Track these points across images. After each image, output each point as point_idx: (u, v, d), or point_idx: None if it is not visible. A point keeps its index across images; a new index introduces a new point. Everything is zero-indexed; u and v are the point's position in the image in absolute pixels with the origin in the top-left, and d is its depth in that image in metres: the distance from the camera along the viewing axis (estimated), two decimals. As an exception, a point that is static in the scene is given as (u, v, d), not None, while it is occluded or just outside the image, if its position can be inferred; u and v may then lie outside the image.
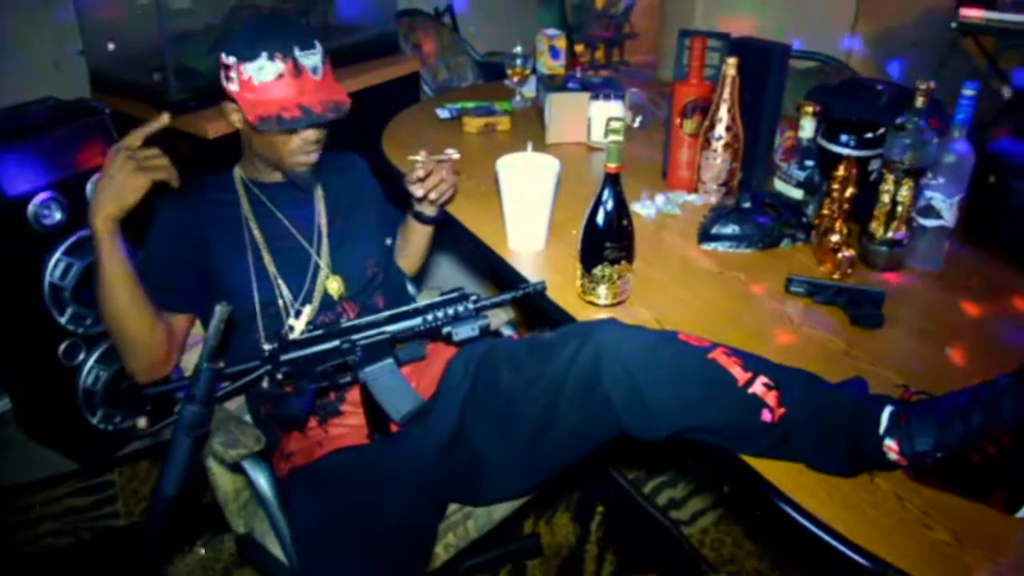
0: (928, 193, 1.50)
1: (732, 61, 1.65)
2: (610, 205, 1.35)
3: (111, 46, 2.39)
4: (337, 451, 1.39)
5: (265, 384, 1.37)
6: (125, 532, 2.06)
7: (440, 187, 1.56)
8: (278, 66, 1.32)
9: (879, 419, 1.03)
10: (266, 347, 1.39)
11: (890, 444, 1.01)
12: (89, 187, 2.03)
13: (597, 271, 1.37)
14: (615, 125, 1.29)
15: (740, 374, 1.10)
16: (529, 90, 2.44)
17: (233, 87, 1.35)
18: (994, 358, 1.29)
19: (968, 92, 1.43)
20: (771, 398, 1.07)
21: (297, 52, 1.33)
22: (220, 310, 1.19)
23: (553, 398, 1.22)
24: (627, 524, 2.04)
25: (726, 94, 1.68)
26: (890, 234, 1.51)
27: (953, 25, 3.58)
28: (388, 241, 1.70)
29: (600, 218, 1.35)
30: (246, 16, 1.39)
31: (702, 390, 1.11)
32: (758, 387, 1.08)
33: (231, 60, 1.33)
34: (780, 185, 1.76)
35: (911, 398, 1.04)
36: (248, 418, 1.53)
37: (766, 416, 1.07)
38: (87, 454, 2.26)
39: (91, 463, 2.26)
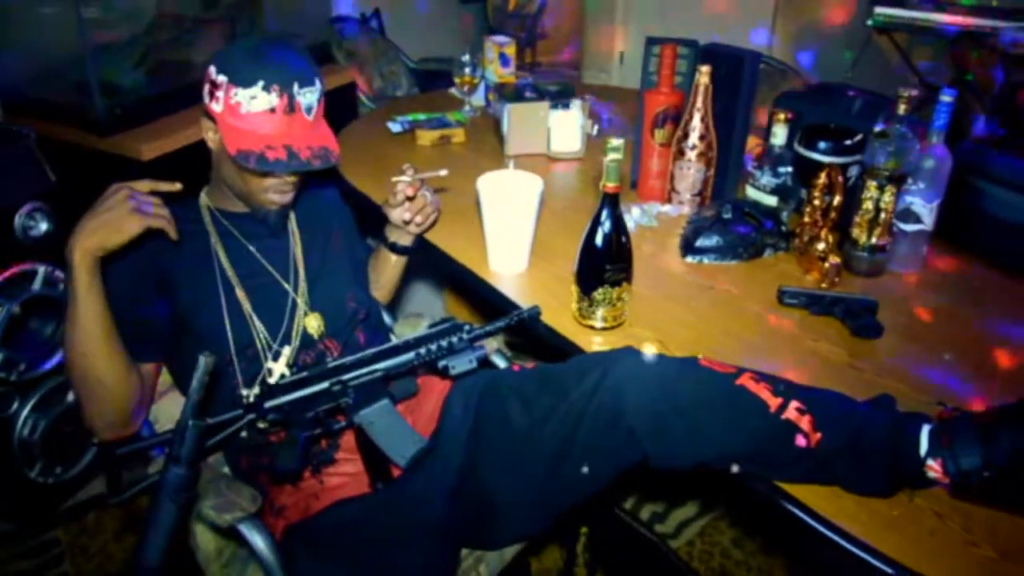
0: (908, 198, 1.51)
1: (705, 69, 1.63)
2: (609, 226, 1.30)
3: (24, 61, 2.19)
4: (338, 504, 1.28)
5: (244, 434, 1.26)
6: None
7: (426, 210, 1.48)
8: (272, 99, 1.22)
9: (918, 439, 1.01)
10: (245, 392, 1.29)
11: (932, 465, 1.00)
12: (18, 220, 1.84)
13: (597, 294, 1.32)
14: (615, 143, 1.23)
15: (771, 399, 1.07)
16: (478, 99, 2.37)
17: (216, 107, 1.24)
18: (991, 360, 1.31)
19: (946, 98, 1.45)
20: (805, 423, 1.05)
21: (296, 88, 1.23)
22: (204, 361, 1.08)
23: (571, 432, 1.16)
24: (613, 543, 2.00)
25: (699, 103, 1.66)
26: (873, 240, 1.52)
27: (868, 22, 3.71)
28: None
29: (599, 239, 1.30)
30: (251, 39, 1.27)
31: (732, 418, 1.07)
32: (791, 412, 1.05)
33: (221, 79, 1.22)
34: (753, 192, 1.75)
35: (949, 415, 1.03)
36: (226, 469, 1.41)
37: (800, 441, 1.04)
38: (26, 511, 2.06)
39: (31, 521, 2.06)
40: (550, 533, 1.94)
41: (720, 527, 2.01)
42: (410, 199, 1.46)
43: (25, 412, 1.94)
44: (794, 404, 1.06)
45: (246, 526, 1.18)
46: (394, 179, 1.46)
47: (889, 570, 0.94)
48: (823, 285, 1.50)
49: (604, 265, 1.31)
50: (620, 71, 4.24)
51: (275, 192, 1.32)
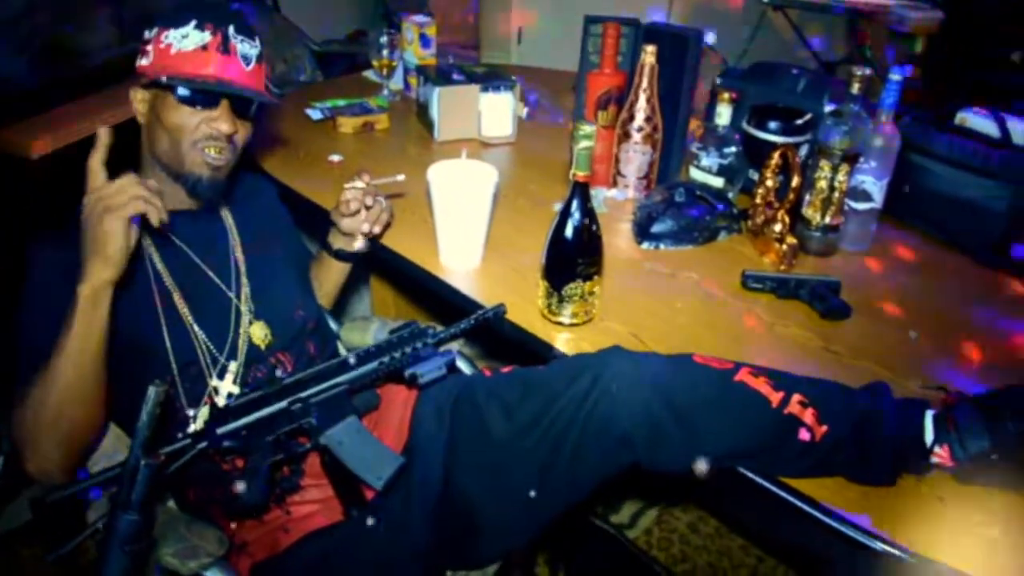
0: (859, 177, 1.51)
1: (651, 49, 1.58)
2: (578, 217, 1.22)
3: None
4: (310, 537, 1.16)
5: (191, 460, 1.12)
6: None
7: (382, 218, 1.38)
8: (205, 36, 1.14)
9: (923, 425, 1.00)
10: (190, 414, 1.16)
11: (938, 451, 0.99)
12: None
13: (569, 289, 1.25)
14: (586, 130, 1.16)
15: (772, 394, 1.03)
16: (396, 83, 2.25)
17: (146, 61, 1.15)
18: (949, 336, 1.32)
19: (895, 77, 1.45)
20: (809, 416, 1.01)
21: (232, 31, 1.16)
22: (155, 391, 0.95)
23: (558, 441, 1.08)
24: (571, 539, 1.95)
25: (645, 83, 1.61)
26: (827, 219, 1.51)
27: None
28: None
29: (569, 232, 1.23)
30: None
31: (734, 416, 1.03)
32: (794, 406, 1.02)
33: (153, 32, 1.15)
34: (697, 174, 1.72)
35: (952, 400, 1.02)
36: (172, 504, 1.26)
37: (804, 435, 1.01)
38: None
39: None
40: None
41: (674, 513, 2.00)
42: (367, 208, 1.35)
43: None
44: (796, 397, 1.02)
45: (213, 573, 1.05)
46: (347, 186, 1.34)
47: (902, 555, 0.93)
48: (781, 267, 1.48)
49: (576, 258, 1.23)
50: (518, 50, 4.16)
51: (206, 144, 1.19)
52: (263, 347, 1.26)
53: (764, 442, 1.02)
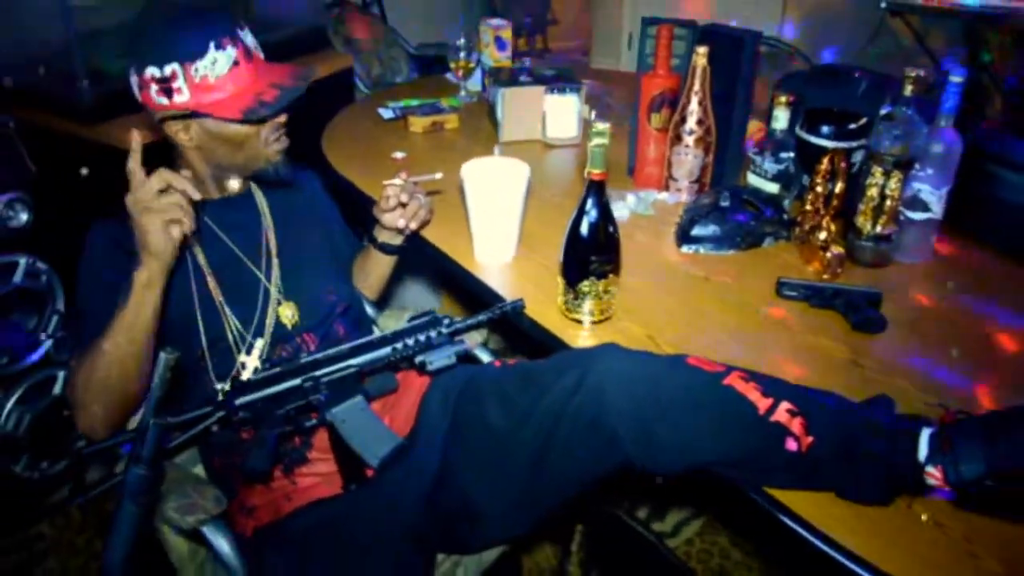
0: (915, 185, 1.43)
1: (702, 51, 1.55)
2: (594, 215, 1.23)
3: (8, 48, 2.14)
4: (309, 506, 1.23)
5: (215, 428, 1.21)
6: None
7: (419, 214, 1.43)
8: (230, 53, 1.19)
9: (917, 444, 0.94)
10: (219, 387, 1.24)
11: (932, 471, 0.93)
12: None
13: (583, 286, 1.26)
14: (600, 127, 1.16)
15: (760, 400, 1.00)
16: (474, 84, 2.30)
17: (182, 98, 1.18)
18: (996, 356, 1.23)
19: (955, 79, 1.37)
20: (796, 425, 0.98)
21: (239, 33, 1.21)
22: (164, 357, 1.03)
23: (549, 434, 1.09)
24: (609, 541, 1.94)
25: (697, 85, 1.58)
26: (879, 229, 1.44)
27: (883, 4, 3.60)
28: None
29: (584, 229, 1.23)
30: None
31: (718, 421, 1.01)
32: (781, 414, 0.98)
33: (170, 69, 1.16)
34: (754, 179, 1.68)
35: (951, 419, 0.96)
36: (199, 468, 1.36)
37: (791, 445, 0.97)
38: (11, 507, 2.02)
39: (16, 517, 2.02)
40: (543, 530, 1.90)
41: (719, 526, 1.94)
42: (403, 205, 1.41)
43: (9, 405, 1.90)
44: (784, 405, 0.99)
45: (210, 528, 1.13)
46: (385, 183, 1.40)
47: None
48: (824, 276, 1.42)
49: (589, 256, 1.24)
50: (629, 55, 4.14)
51: (274, 139, 1.30)
52: (290, 326, 1.33)
53: (749, 449, 0.99)
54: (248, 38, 1.23)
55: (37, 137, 1.92)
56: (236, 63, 1.19)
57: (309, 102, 2.51)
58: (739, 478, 1.01)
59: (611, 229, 1.25)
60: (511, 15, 4.37)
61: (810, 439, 0.97)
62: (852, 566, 0.90)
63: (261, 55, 1.26)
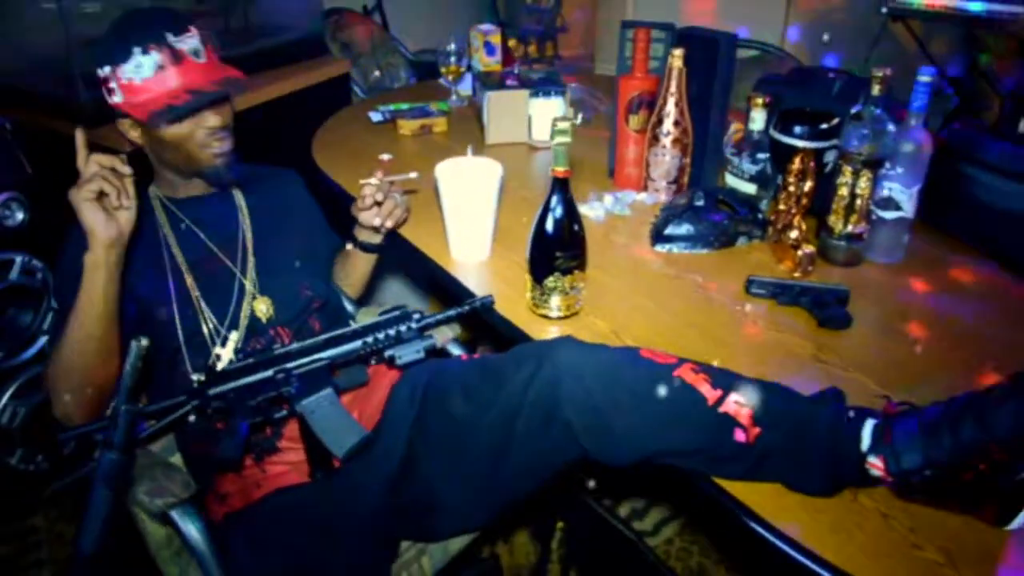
0: (886, 184, 1.44)
1: (678, 52, 1.57)
2: (559, 211, 1.25)
3: (11, 52, 2.20)
4: (277, 492, 1.26)
5: (193, 418, 1.24)
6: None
7: (395, 213, 1.46)
8: (154, 58, 1.22)
9: (860, 435, 0.96)
10: (194, 378, 1.27)
11: (874, 461, 0.94)
12: (-7, 210, 1.86)
13: (548, 282, 1.28)
14: (562, 126, 1.19)
15: (709, 392, 1.01)
16: (464, 89, 2.34)
17: (116, 99, 1.25)
18: (966, 354, 1.24)
19: (924, 79, 1.38)
20: (744, 416, 0.99)
21: (171, 39, 1.24)
22: (136, 346, 1.06)
23: (508, 425, 1.12)
24: (589, 539, 1.95)
25: (673, 87, 1.60)
26: (849, 228, 1.45)
27: (884, 10, 3.59)
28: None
29: (549, 226, 1.26)
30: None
31: (669, 411, 1.02)
32: (730, 405, 1.00)
33: (106, 71, 1.23)
34: (732, 180, 1.70)
35: (894, 411, 0.97)
36: (176, 458, 1.39)
37: (739, 436, 0.99)
38: (6, 498, 2.07)
39: (10, 508, 2.07)
40: (508, 522, 1.92)
41: (697, 527, 1.95)
42: (379, 204, 1.44)
43: (4, 399, 1.95)
44: (733, 397, 1.01)
45: (178, 513, 1.16)
46: (362, 182, 1.44)
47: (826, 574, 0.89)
48: (796, 275, 1.44)
49: (554, 252, 1.26)
50: (632, 61, 4.17)
51: (210, 144, 1.31)
52: (265, 320, 1.36)
53: (700, 440, 1.01)
54: (184, 43, 1.25)
55: (34, 138, 1.97)
56: (161, 67, 1.23)
57: (306, 106, 2.56)
58: (691, 468, 1.03)
59: (576, 227, 1.27)
60: (517, 23, 4.42)
61: (757, 430, 0.98)
62: (797, 556, 0.92)
63: (199, 59, 1.27)
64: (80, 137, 1.14)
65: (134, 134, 1.31)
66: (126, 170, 1.14)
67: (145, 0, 2.19)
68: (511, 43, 4.50)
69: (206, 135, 1.30)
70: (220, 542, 1.19)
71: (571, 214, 1.26)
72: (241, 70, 1.32)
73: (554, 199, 1.25)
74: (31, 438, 2.00)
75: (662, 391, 1.03)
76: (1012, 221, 1.47)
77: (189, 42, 1.26)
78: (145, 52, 1.22)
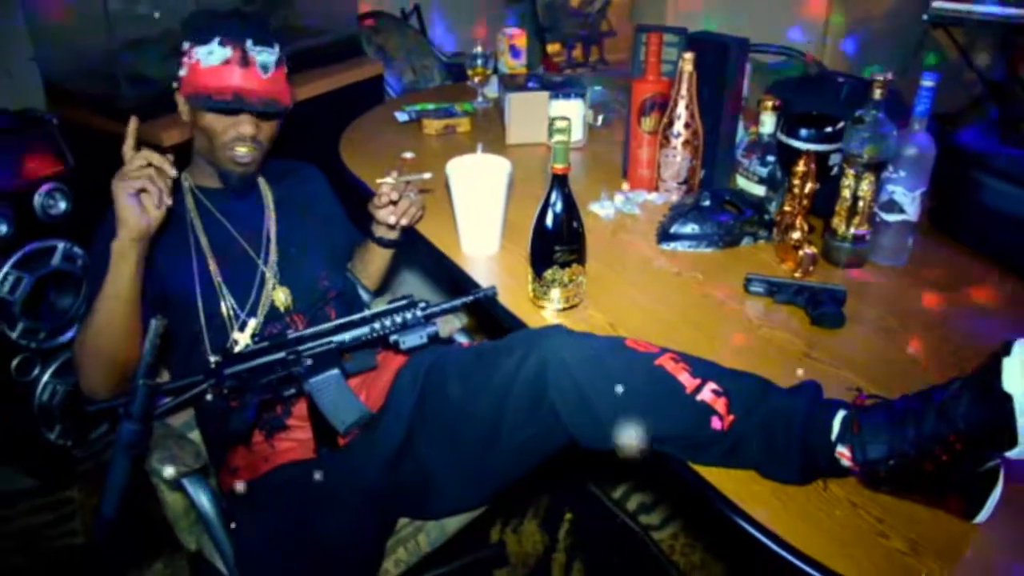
0: (890, 187, 1.46)
1: (688, 56, 1.61)
2: (559, 207, 1.30)
3: (62, 53, 2.32)
4: (282, 466, 1.34)
5: (209, 397, 1.32)
6: (84, 550, 2.00)
7: (410, 211, 1.52)
8: (227, 52, 1.32)
9: (831, 425, 0.99)
10: (212, 359, 1.35)
11: (842, 451, 0.97)
12: (38, 199, 1.98)
13: (547, 274, 1.33)
14: (560, 124, 1.24)
15: (688, 381, 1.05)
16: (491, 90, 2.40)
17: (183, 72, 1.36)
18: (958, 357, 1.25)
19: (927, 83, 1.39)
20: (720, 405, 1.03)
21: (250, 44, 1.32)
22: (155, 324, 1.15)
23: (499, 409, 1.17)
24: (596, 531, 1.99)
25: (683, 90, 1.64)
26: (852, 230, 1.47)
27: (925, 17, 3.56)
28: (348, 264, 1.66)
29: (549, 220, 1.31)
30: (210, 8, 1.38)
31: (650, 399, 1.06)
32: (707, 394, 1.04)
33: (186, 45, 1.34)
34: (743, 182, 1.73)
35: (864, 402, 1.00)
36: (194, 435, 1.47)
37: (716, 424, 1.02)
38: (46, 470, 2.19)
39: (50, 479, 2.19)
40: (534, 516, 1.96)
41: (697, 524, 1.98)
42: (394, 202, 1.50)
43: (45, 378, 2.07)
44: (711, 386, 1.04)
45: (189, 481, 1.24)
46: (378, 181, 1.50)
47: (794, 559, 0.92)
48: (796, 274, 1.46)
49: (553, 246, 1.31)
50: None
51: (234, 146, 1.38)
52: (283, 309, 1.44)
53: (677, 426, 1.04)
54: (260, 54, 1.34)
55: (77, 134, 2.09)
56: (227, 62, 1.31)
57: (339, 106, 2.64)
58: (669, 453, 1.06)
59: (575, 222, 1.31)
60: (560, 28, 4.47)
61: (732, 417, 1.02)
62: (766, 542, 0.95)
63: (263, 74, 1.34)
64: (133, 125, 1.22)
65: (184, 111, 1.40)
66: (172, 172, 1.21)
67: (206, 2, 2.29)
68: (553, 48, 4.55)
69: (235, 138, 1.37)
70: (227, 511, 1.26)
71: (570, 209, 1.30)
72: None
73: (554, 195, 1.30)
74: (69, 415, 2.12)
75: (643, 379, 1.07)
76: (1017, 226, 1.48)
77: (264, 55, 1.34)
78: (222, 44, 1.32)
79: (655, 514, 2.02)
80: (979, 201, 1.54)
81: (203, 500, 1.25)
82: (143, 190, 1.18)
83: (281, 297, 1.44)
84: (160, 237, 1.34)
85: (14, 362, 2.02)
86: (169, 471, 1.22)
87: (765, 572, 0.98)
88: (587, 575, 1.89)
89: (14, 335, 1.99)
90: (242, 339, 1.40)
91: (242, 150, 1.39)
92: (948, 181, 1.55)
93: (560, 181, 1.29)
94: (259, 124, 1.38)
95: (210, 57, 1.31)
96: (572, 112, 2.04)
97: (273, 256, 1.46)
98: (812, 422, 1.00)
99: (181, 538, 1.44)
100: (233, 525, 1.27)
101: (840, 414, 0.99)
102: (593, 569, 1.90)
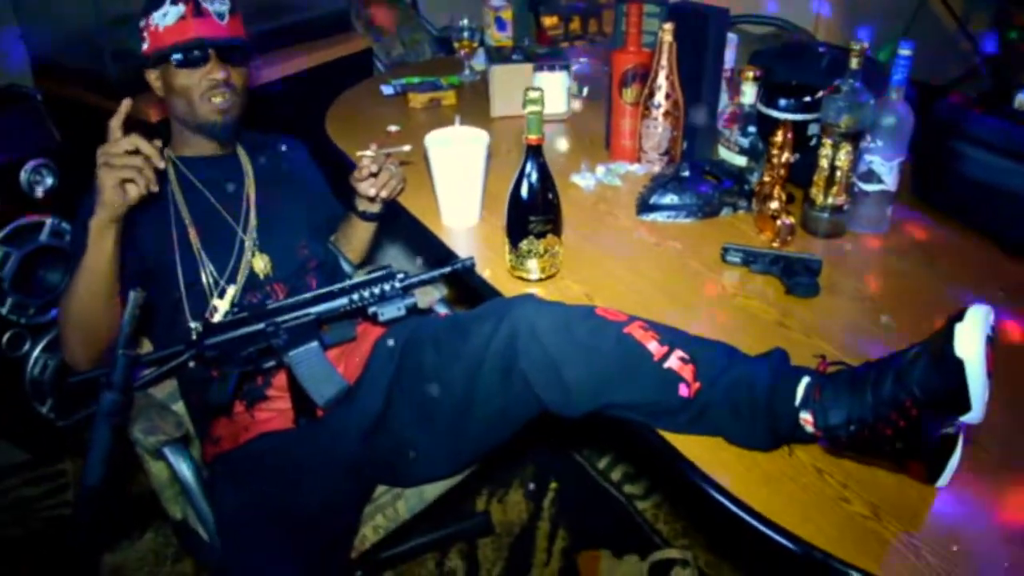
0: (868, 157, 1.46)
1: (668, 27, 1.60)
2: (533, 177, 1.31)
3: (48, 28, 2.31)
4: (261, 436, 1.36)
5: (192, 364, 1.33)
6: (67, 520, 2.03)
7: (390, 184, 1.53)
8: (180, 8, 1.34)
9: (795, 391, 1.00)
10: (192, 326, 1.37)
11: (805, 417, 0.98)
12: (24, 175, 1.99)
13: (523, 245, 1.34)
14: (533, 95, 1.24)
15: (656, 348, 1.06)
16: (479, 63, 2.39)
17: (146, 45, 1.37)
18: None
19: (904, 52, 1.39)
20: (687, 372, 1.04)
21: None
22: (134, 296, 1.16)
23: (472, 378, 1.18)
24: (581, 500, 2.01)
25: (664, 61, 1.63)
26: (831, 200, 1.48)
27: (921, -12, 3.52)
28: (332, 238, 1.67)
29: (524, 191, 1.31)
30: None
31: (618, 366, 1.07)
32: (674, 361, 1.05)
33: (143, 21, 1.36)
34: (724, 152, 1.73)
35: (827, 369, 1.01)
36: (177, 406, 1.49)
37: (683, 391, 1.04)
38: (38, 443, 2.22)
39: (42, 452, 2.22)
40: (498, 476, 1.98)
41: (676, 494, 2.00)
42: (374, 175, 1.51)
43: (36, 353, 2.09)
44: (678, 353, 1.05)
45: (170, 450, 1.26)
46: (359, 154, 1.51)
47: (755, 523, 0.93)
48: (774, 244, 1.47)
49: (528, 216, 1.32)
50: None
51: (209, 94, 1.40)
52: (262, 276, 1.45)
53: (645, 394, 1.05)
54: (212, 5, 1.36)
55: (63, 109, 2.09)
56: (183, 17, 1.34)
57: (328, 81, 2.63)
58: (638, 420, 1.08)
59: (550, 193, 1.32)
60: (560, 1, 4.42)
61: (698, 384, 1.03)
62: (730, 506, 0.96)
63: (221, 21, 1.37)
64: (125, 107, 1.22)
65: (156, 84, 1.42)
66: (160, 164, 1.22)
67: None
68: (550, 20, 4.51)
69: (210, 86, 1.39)
70: (208, 479, 1.28)
71: (544, 180, 1.31)
72: (267, 44, 1.42)
73: (528, 165, 1.31)
74: (60, 388, 2.14)
75: (611, 346, 1.08)
76: (1002, 197, 1.48)
77: (216, 4, 1.37)
78: (174, 2, 1.34)
79: (639, 484, 2.04)
80: (958, 170, 1.54)
81: (183, 469, 1.27)
82: (130, 180, 1.19)
83: (260, 264, 1.46)
84: (140, 209, 1.35)
85: (5, 337, 2.05)
86: (150, 440, 1.24)
87: (745, 540, 0.99)
88: (571, 543, 1.91)
89: (4, 310, 2.01)
90: (221, 306, 1.41)
91: (218, 98, 1.41)
92: (928, 150, 1.55)
93: (534, 152, 1.30)
94: (228, 69, 1.40)
95: (165, 18, 1.34)
96: (556, 84, 2.03)
97: (252, 223, 1.47)
98: (776, 389, 1.01)
99: (167, 507, 1.46)
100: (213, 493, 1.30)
101: (804, 380, 1.00)
102: (577, 537, 1.93)
